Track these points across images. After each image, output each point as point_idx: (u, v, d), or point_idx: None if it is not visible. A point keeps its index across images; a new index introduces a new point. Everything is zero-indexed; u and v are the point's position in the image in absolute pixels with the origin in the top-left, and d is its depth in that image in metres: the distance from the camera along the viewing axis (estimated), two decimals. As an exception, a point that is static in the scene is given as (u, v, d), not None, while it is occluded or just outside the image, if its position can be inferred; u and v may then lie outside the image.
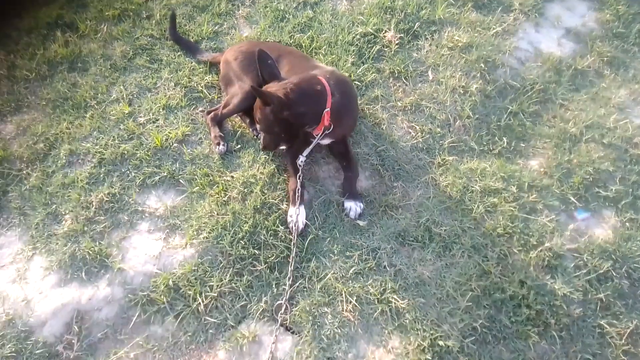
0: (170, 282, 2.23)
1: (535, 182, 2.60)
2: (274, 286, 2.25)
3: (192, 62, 3.11)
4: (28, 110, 2.91)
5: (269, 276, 2.28)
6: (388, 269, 2.30)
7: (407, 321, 2.15)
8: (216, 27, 3.34)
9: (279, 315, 2.16)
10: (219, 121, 2.77)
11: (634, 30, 3.35)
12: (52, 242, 2.39)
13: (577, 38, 3.36)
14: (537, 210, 2.50)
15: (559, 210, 2.50)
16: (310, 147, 2.50)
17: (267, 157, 2.66)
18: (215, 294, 2.20)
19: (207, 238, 2.37)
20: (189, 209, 2.49)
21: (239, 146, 2.73)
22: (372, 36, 3.23)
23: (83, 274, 2.28)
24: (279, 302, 2.20)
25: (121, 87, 2.99)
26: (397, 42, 3.18)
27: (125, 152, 2.68)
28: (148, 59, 3.15)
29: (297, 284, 2.25)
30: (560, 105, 2.96)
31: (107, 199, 2.51)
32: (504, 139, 2.77)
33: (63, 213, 2.48)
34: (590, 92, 3.03)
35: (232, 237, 2.35)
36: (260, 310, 2.18)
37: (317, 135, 2.48)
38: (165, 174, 2.60)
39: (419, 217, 2.46)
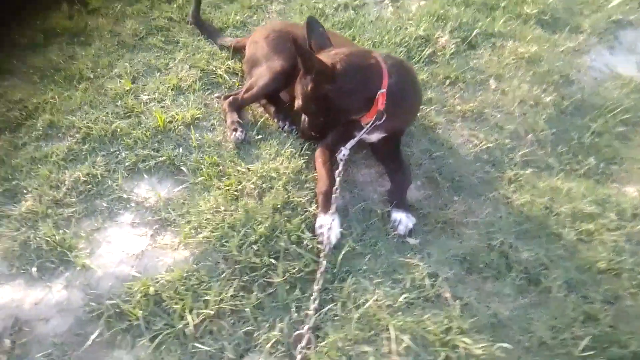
0: (151, 291, 1.59)
1: (639, 210, 2.01)
2: (293, 309, 1.60)
3: (213, 47, 2.66)
4: (10, 76, 2.41)
5: (288, 295, 1.63)
6: (451, 302, 1.65)
7: (484, 378, 1.47)
8: (245, 17, 2.93)
9: (298, 349, 1.49)
10: (238, 107, 2.25)
11: None
12: (1, 224, 1.78)
13: (658, 65, 2.91)
14: (647, 244, 1.89)
15: (676, 247, 1.89)
16: (357, 137, 1.96)
17: (295, 150, 2.11)
18: (212, 312, 1.55)
19: (207, 238, 1.76)
20: (189, 202, 1.90)
21: (260, 136, 2.18)
22: (424, 40, 2.80)
23: (34, 269, 1.65)
24: (298, 331, 1.54)
25: (126, 63, 2.51)
26: (452, 48, 2.74)
27: (118, 129, 2.14)
28: (163, 39, 2.71)
29: (326, 309, 1.60)
30: (652, 129, 2.44)
31: (85, 179, 1.93)
32: (591, 159, 2.22)
33: (24, 191, 1.89)
34: (686, 120, 2.52)
35: (241, 239, 1.74)
36: (273, 340, 1.52)
37: (366, 125, 1.94)
38: (163, 159, 2.04)
39: (490, 239, 1.85)
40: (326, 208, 1.82)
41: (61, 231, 1.76)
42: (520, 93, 2.49)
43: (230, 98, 2.27)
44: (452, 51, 2.72)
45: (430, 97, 2.45)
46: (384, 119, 1.93)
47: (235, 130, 2.15)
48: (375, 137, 2.06)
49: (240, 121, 2.20)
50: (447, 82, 2.55)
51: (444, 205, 2.01)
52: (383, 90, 1.87)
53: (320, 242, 1.76)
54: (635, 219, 1.97)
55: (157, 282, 1.63)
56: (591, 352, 1.54)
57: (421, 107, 2.33)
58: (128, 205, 1.90)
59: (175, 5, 2.98)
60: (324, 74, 1.82)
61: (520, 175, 2.13)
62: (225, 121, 2.22)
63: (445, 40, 2.77)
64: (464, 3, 3.15)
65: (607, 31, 3.03)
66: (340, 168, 1.89)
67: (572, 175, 2.17)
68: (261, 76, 2.24)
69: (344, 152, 1.94)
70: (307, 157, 2.09)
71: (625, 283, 1.74)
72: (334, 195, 1.81)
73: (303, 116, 2.04)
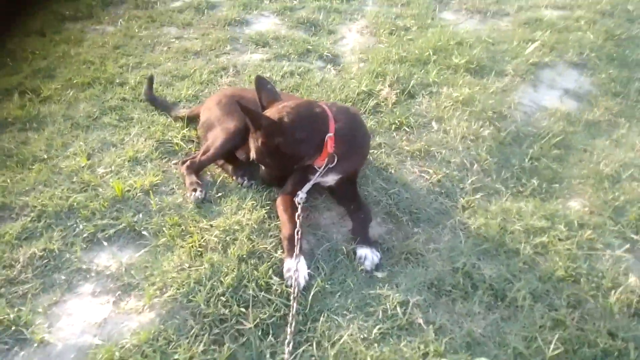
0: (116, 357, 1.51)
1: (585, 220, 2.14)
2: (268, 357, 1.56)
3: (168, 119, 2.75)
4: (-44, 166, 2.38)
5: (261, 342, 1.59)
6: (425, 327, 1.66)
7: (468, 397, 1.45)
8: (196, 91, 3.07)
9: (277, 401, 1.44)
10: (196, 169, 2.30)
11: (633, 90, 3.25)
12: (-52, 311, 1.68)
13: (578, 97, 3.22)
14: (597, 249, 1.99)
15: (624, 249, 2.00)
16: (312, 181, 2.04)
17: (256, 202, 2.15)
18: (182, 370, 1.49)
19: (173, 296, 1.72)
20: (152, 264, 1.87)
21: (220, 194, 2.22)
22: (366, 94, 3.00)
23: (-16, 353, 1.55)
24: (276, 380, 1.50)
25: (81, 142, 2.54)
26: (393, 98, 2.95)
27: (75, 203, 2.12)
28: (117, 117, 2.77)
29: (301, 350, 1.57)
30: (584, 150, 2.65)
31: (41, 255, 1.88)
32: (533, 181, 2.37)
33: (-26, 274, 1.81)
34: (611, 139, 2.76)
35: (208, 293, 1.71)
36: (249, 392, 1.46)
37: (319, 168, 2.03)
38: (123, 226, 2.03)
39: (453, 262, 1.91)
40: (292, 251, 1.84)
41: (16, 309, 1.67)
42: (460, 130, 2.68)
43: (188, 162, 2.32)
44: (393, 101, 2.93)
45: (379, 142, 2.59)
46: (335, 161, 2.03)
47: (195, 190, 2.18)
48: (331, 179, 2.15)
49: (199, 182, 2.24)
50: (393, 127, 2.72)
51: (405, 237, 2.06)
52: (331, 134, 1.99)
53: (289, 286, 1.76)
54: (583, 228, 2.09)
55: (122, 347, 1.55)
56: (564, 355, 1.56)
57: (371, 150, 2.46)
58: (88, 276, 1.84)
59: (127, 87, 3.09)
60: (271, 128, 1.93)
61: (473, 202, 2.24)
62: (185, 184, 2.25)
63: (386, 93, 2.98)
64: (399, 61, 3.43)
65: (528, 72, 3.35)
66: (299, 211, 1.94)
67: (519, 196, 2.30)
68: (216, 138, 2.33)
69: (301, 195, 2.00)
70: (268, 207, 2.12)
71: (585, 287, 1.81)
72: (296, 237, 1.84)
73: (261, 166, 2.12)
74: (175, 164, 2.42)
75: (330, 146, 2.00)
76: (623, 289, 1.79)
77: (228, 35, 3.84)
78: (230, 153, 2.36)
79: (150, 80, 2.91)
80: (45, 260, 1.87)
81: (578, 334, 1.63)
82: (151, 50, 3.65)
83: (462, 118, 2.80)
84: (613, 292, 1.78)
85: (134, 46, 3.69)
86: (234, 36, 3.88)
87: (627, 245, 2.01)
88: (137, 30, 3.94)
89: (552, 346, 1.56)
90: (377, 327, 1.65)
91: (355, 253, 1.94)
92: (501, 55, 3.60)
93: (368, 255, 1.91)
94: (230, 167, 2.36)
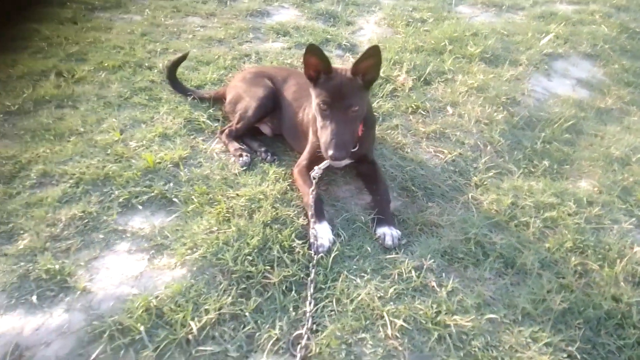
0: (152, 305, 1.64)
1: (593, 198, 2.23)
2: (291, 310, 1.68)
3: (194, 100, 2.89)
4: (1, 139, 2.54)
5: (285, 298, 1.72)
6: (438, 289, 1.77)
7: (477, 350, 1.56)
8: (221, 75, 3.21)
9: (298, 350, 1.55)
10: (235, 136, 2.48)
11: (645, 80, 3.33)
12: (-1, 262, 1.83)
13: (590, 86, 3.30)
14: (605, 225, 2.08)
15: (632, 225, 2.08)
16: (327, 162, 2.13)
17: (278, 176, 2.27)
18: (213, 317, 1.62)
19: (203, 255, 1.85)
20: (182, 227, 2.00)
21: (244, 168, 2.35)
22: (384, 80, 3.11)
23: (34, 297, 1.69)
24: (298, 331, 1.61)
25: (114, 119, 2.69)
26: (410, 84, 3.05)
27: (110, 172, 2.27)
28: (147, 97, 2.92)
29: (322, 305, 1.69)
30: (595, 135, 2.74)
31: (80, 216, 2.02)
32: (545, 162, 2.47)
33: (21, 232, 1.96)
34: (622, 125, 2.84)
35: (236, 252, 1.84)
36: (274, 339, 1.58)
37: None
38: (155, 193, 2.17)
39: (465, 233, 2.01)
40: (315, 217, 1.96)
41: (60, 261, 1.82)
42: (474, 114, 2.78)
43: (226, 130, 2.48)
44: (410, 86, 3.04)
45: (396, 123, 2.70)
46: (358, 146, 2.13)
47: (241, 155, 2.35)
48: (343, 163, 2.24)
49: (242, 147, 2.39)
50: (410, 110, 2.83)
51: (420, 211, 2.17)
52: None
53: (317, 248, 1.87)
54: (591, 205, 2.18)
55: (157, 297, 1.69)
56: (570, 316, 1.66)
57: (388, 131, 2.59)
58: (124, 236, 1.98)
59: (156, 71, 3.24)
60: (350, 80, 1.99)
61: (485, 180, 2.34)
62: (229, 151, 2.42)
63: (403, 79, 3.10)
64: (415, 50, 3.53)
65: (541, 62, 3.44)
66: (314, 186, 2.05)
67: (530, 176, 2.40)
68: (248, 106, 2.47)
69: (316, 171, 2.11)
70: (290, 180, 2.25)
71: (592, 257, 1.90)
72: (317, 205, 1.96)
73: (327, 129, 1.96)
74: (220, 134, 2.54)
75: (360, 129, 2.11)
76: (628, 259, 1.88)
77: (250, 25, 3.98)
78: (262, 117, 2.49)
79: (176, 61, 2.99)
80: (85, 221, 2.01)
81: (584, 298, 1.73)
82: (177, 38, 3.80)
83: (476, 103, 2.89)
84: (619, 262, 1.87)
85: (161, 33, 3.84)
86: (255, 26, 4.02)
87: (634, 220, 2.09)
88: (163, 19, 4.10)
89: (558, 302, 1.65)
90: (393, 287, 1.76)
91: (375, 232, 2.04)
92: (515, 46, 3.68)
93: (387, 232, 1.99)
94: (255, 144, 2.49)
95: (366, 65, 1.94)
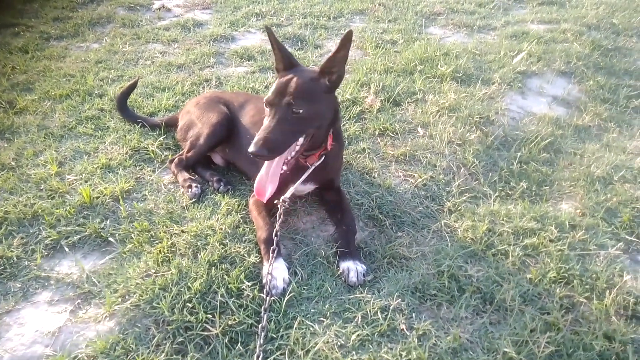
0: (67, 368, 1.38)
1: (576, 221, 2.03)
2: (235, 366, 1.42)
3: (144, 128, 2.66)
4: None
5: (229, 352, 1.46)
6: (408, 333, 1.54)
7: (453, 407, 1.32)
8: (177, 101, 3.00)
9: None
10: (185, 166, 2.27)
11: (622, 96, 3.21)
12: None
13: (567, 103, 3.17)
14: (590, 250, 1.88)
15: (619, 250, 1.89)
16: (297, 184, 1.89)
17: (230, 207, 2.04)
18: (139, 382, 1.35)
19: (136, 303, 1.59)
20: (116, 271, 1.74)
21: (193, 200, 2.11)
22: (351, 102, 2.94)
23: None
24: (242, 392, 1.36)
25: (53, 151, 2.45)
26: (378, 105, 2.88)
27: (40, 210, 2.01)
28: (93, 127, 2.69)
29: (272, 358, 1.44)
30: (574, 153, 2.57)
31: (-3, 263, 1.76)
32: (522, 184, 2.28)
33: None
34: (601, 143, 2.69)
35: (174, 299, 1.59)
36: (212, 405, 1.32)
37: (311, 165, 1.91)
38: (89, 233, 1.91)
39: (438, 265, 1.79)
40: (269, 255, 1.72)
41: (-37, 320, 1.54)
42: (446, 135, 2.60)
43: (176, 159, 2.27)
44: (378, 108, 2.86)
45: (363, 147, 2.51)
46: (321, 160, 1.91)
47: (190, 187, 2.13)
48: (307, 188, 2.04)
49: (192, 177, 2.19)
50: (377, 132, 2.64)
51: (388, 241, 1.95)
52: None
53: (270, 290, 1.63)
54: (574, 229, 1.98)
55: (75, 357, 1.42)
56: (558, 359, 1.44)
57: (354, 155, 2.40)
58: (46, 284, 1.72)
59: (106, 99, 3.02)
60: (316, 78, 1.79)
61: (459, 205, 2.14)
62: (178, 181, 2.21)
63: (371, 100, 2.92)
64: (384, 71, 3.38)
65: (515, 80, 3.31)
66: (281, 218, 1.80)
67: (507, 199, 2.21)
68: (200, 133, 2.26)
69: (284, 198, 1.87)
70: (244, 212, 2.02)
71: (578, 288, 1.69)
72: (275, 239, 1.73)
73: (267, 123, 1.73)
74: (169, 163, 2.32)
75: (329, 142, 1.90)
76: (618, 289, 1.67)
77: (213, 50, 3.81)
78: (215, 145, 2.28)
79: (128, 88, 2.79)
80: (1, 268, 1.75)
81: (572, 337, 1.51)
82: (134, 65, 3.60)
83: (448, 123, 2.72)
84: (608, 293, 1.66)
85: (117, 61, 3.64)
86: (219, 51, 3.85)
87: (621, 244, 1.90)
88: (121, 47, 3.90)
89: (543, 344, 1.43)
90: (356, 333, 1.52)
91: (338, 266, 1.81)
92: (488, 64, 3.56)
93: (351, 268, 1.77)
94: (207, 173, 2.27)
95: (339, 57, 1.74)
